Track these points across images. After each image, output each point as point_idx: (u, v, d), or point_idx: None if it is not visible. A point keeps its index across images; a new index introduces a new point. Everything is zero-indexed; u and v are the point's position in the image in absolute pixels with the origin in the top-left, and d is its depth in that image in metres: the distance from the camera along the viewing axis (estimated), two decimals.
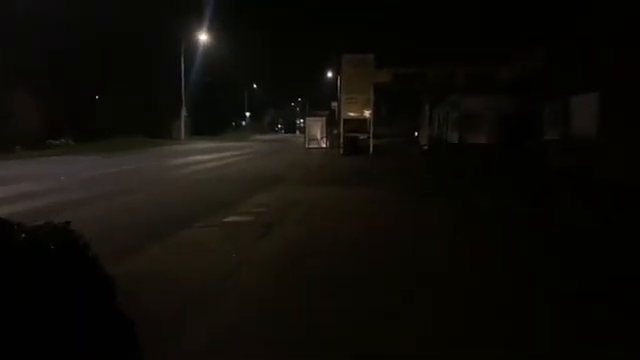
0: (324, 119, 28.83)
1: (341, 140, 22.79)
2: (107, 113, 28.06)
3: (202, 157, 20.42)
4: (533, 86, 17.15)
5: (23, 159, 18.51)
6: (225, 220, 6.64)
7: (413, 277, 4.24)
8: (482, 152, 19.68)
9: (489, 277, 4.26)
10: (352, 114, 22.27)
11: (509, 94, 20.54)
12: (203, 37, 37.07)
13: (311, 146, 27.77)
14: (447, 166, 16.79)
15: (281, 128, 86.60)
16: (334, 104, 28.27)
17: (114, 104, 29.25)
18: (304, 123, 34.23)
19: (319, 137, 28.35)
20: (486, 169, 14.91)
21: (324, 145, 27.69)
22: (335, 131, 25.61)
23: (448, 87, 25.18)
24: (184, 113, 35.69)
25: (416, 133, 29.51)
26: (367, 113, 22.15)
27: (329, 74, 41.34)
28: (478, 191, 9.91)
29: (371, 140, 22.46)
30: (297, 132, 64.84)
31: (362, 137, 22.18)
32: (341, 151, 22.08)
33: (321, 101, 46.91)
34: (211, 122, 42.34)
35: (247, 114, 64.29)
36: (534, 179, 12.07)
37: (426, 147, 25.68)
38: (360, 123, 22.18)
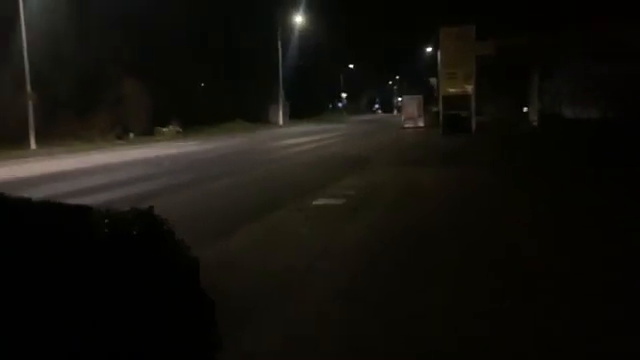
0: (421, 97, 27.73)
1: (440, 118, 21.64)
2: (208, 99, 29.48)
3: (298, 140, 20.60)
4: None
5: (136, 145, 20.04)
6: (315, 203, 6.51)
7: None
8: (606, 129, 17.40)
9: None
10: (452, 90, 21.02)
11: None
12: (299, 19, 37.38)
13: (407, 125, 26.78)
14: (564, 146, 15.03)
15: (378, 108, 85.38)
16: (432, 80, 26.97)
17: (213, 91, 30.63)
18: (401, 102, 33.24)
19: (416, 116, 27.23)
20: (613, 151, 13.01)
21: (421, 124, 26.58)
22: (434, 109, 24.40)
23: (561, 56, 22.76)
24: (282, 96, 36.34)
25: (525, 109, 27.19)
26: (469, 88, 20.78)
27: (428, 49, 39.63)
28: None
29: (474, 117, 21.06)
30: (395, 112, 63.51)
31: (464, 114, 20.85)
32: (440, 130, 20.97)
33: (420, 79, 45.24)
34: (307, 105, 42.77)
35: (343, 95, 64.13)
36: None
37: (535, 123, 23.56)
38: (461, 99, 20.86)
